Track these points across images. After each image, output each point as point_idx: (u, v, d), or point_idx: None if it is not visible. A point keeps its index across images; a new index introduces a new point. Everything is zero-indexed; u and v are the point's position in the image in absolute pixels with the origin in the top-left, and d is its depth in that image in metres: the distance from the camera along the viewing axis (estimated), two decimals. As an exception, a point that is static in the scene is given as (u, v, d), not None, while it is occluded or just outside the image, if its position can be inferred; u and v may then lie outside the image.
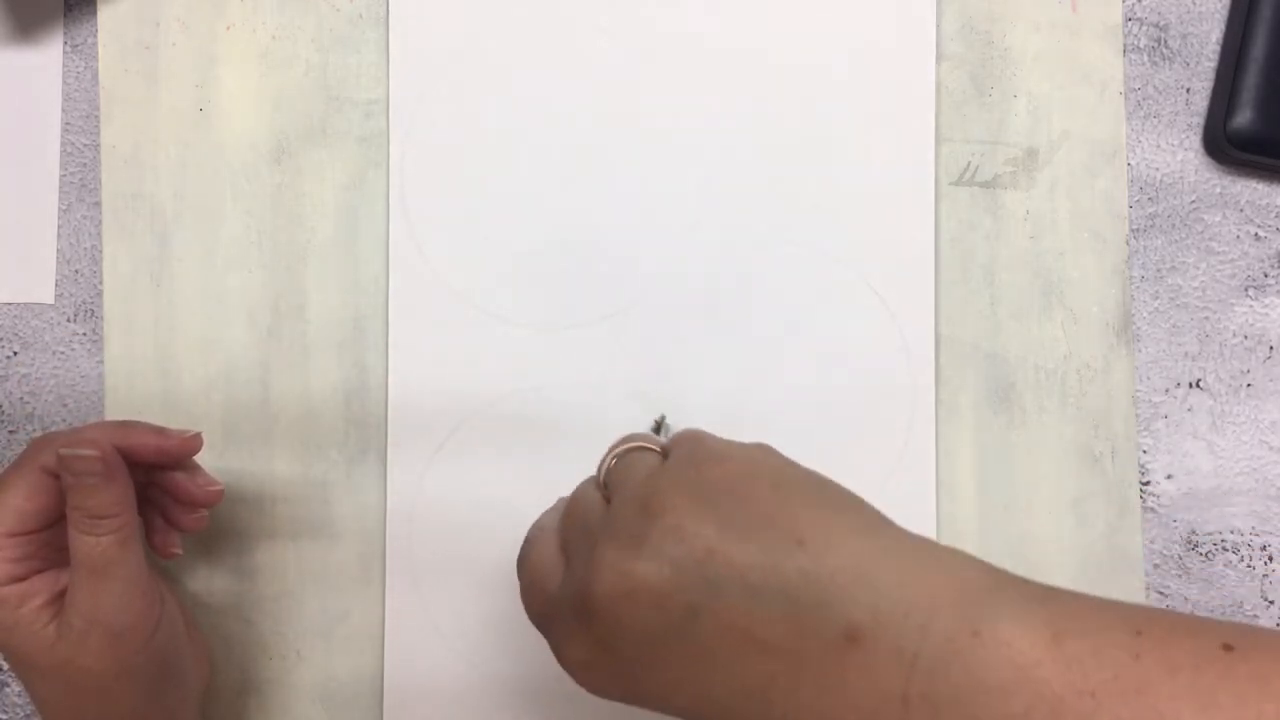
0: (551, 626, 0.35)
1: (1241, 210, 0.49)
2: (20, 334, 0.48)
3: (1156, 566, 0.48)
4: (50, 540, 0.40)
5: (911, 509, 0.47)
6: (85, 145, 0.48)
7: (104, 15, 0.48)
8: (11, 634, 0.39)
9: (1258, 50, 0.47)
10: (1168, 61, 0.49)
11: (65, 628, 0.38)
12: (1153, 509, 0.48)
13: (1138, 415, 0.48)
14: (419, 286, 0.47)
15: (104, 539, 0.38)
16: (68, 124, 0.48)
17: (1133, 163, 0.49)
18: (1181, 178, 0.49)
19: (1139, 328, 0.48)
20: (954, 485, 0.48)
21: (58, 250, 0.48)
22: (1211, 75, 0.49)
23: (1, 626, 0.39)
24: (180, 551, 0.43)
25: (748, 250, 0.48)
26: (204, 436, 0.42)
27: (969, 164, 0.48)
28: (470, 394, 0.47)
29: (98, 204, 0.48)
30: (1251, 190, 0.49)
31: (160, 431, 0.41)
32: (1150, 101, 0.49)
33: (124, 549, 0.39)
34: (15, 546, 0.39)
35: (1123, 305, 0.48)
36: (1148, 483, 0.48)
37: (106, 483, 0.38)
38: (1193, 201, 0.49)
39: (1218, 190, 0.49)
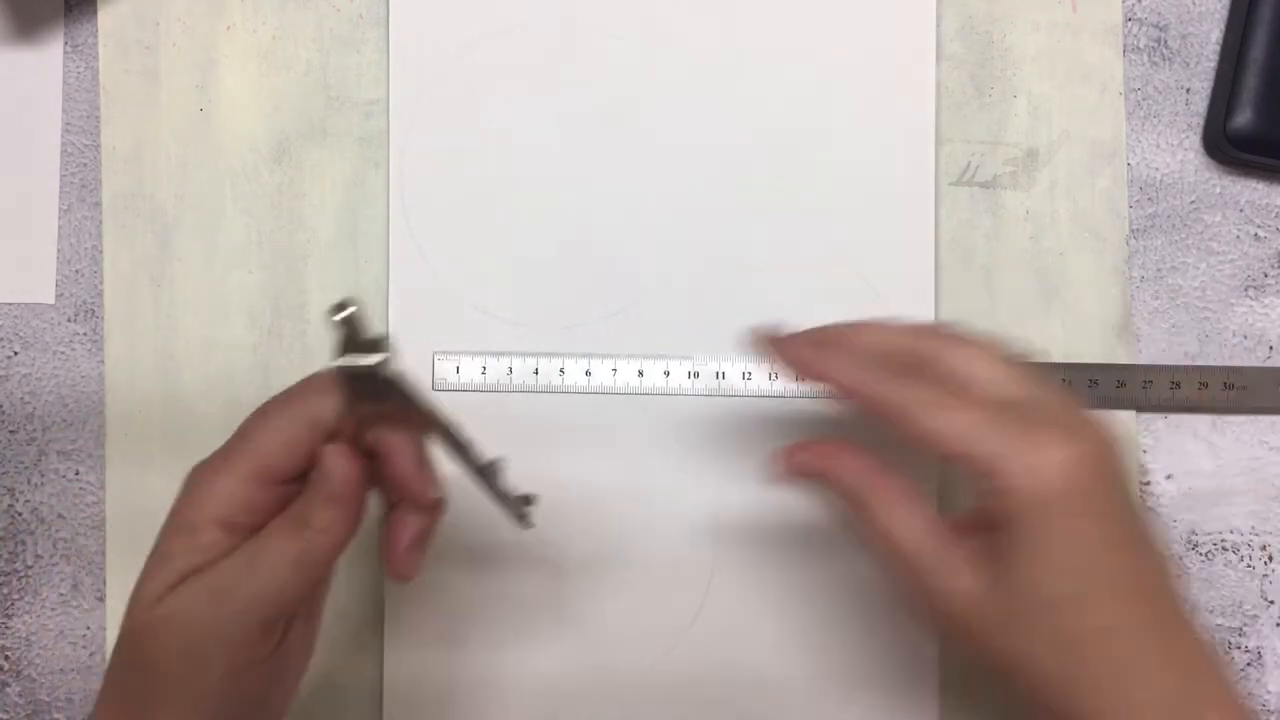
0: None
1: (1241, 210, 0.49)
2: (20, 334, 0.48)
3: (1156, 566, 0.48)
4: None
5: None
6: (85, 145, 0.48)
7: (104, 15, 0.48)
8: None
9: (1258, 50, 0.47)
10: (1167, 61, 0.49)
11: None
12: (1152, 509, 0.48)
13: (1137, 415, 0.48)
14: (419, 286, 0.47)
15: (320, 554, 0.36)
16: (68, 124, 0.48)
17: (1133, 163, 0.49)
18: (1181, 178, 0.49)
19: (1139, 328, 0.48)
20: (954, 485, 0.48)
21: (58, 250, 0.48)
22: (1211, 75, 0.49)
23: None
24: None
25: (747, 250, 0.48)
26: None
27: (969, 164, 0.48)
28: (470, 394, 0.47)
29: (98, 204, 0.48)
30: (1251, 190, 0.49)
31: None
32: (1150, 101, 0.49)
33: (327, 572, 0.37)
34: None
35: (1123, 305, 0.48)
36: (1148, 483, 0.48)
37: (347, 525, 0.36)
38: (1193, 201, 0.49)
39: (1218, 190, 0.49)
